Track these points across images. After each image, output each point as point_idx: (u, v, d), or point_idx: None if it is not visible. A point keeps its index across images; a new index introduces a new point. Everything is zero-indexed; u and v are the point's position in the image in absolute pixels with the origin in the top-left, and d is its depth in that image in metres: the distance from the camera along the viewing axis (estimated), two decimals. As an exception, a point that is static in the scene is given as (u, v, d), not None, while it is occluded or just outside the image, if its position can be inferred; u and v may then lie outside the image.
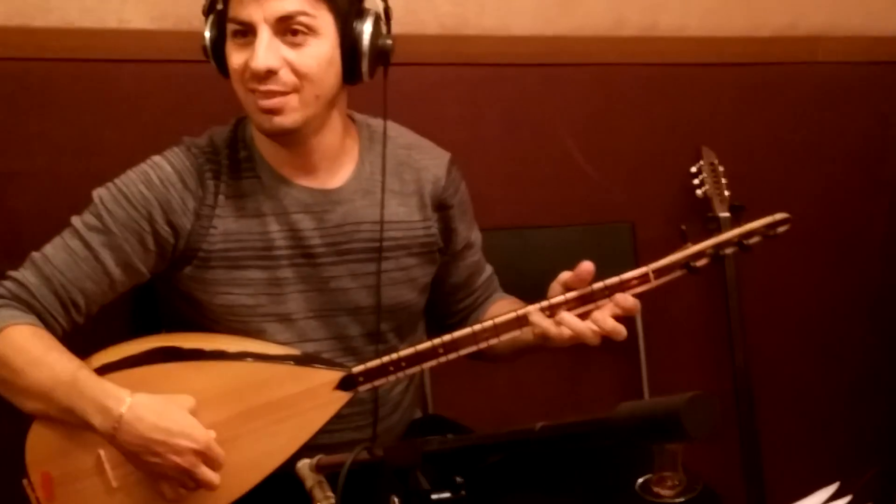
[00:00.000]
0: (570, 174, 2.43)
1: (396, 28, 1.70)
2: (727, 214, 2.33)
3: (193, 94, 2.08)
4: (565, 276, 1.60)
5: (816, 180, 2.59)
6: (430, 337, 1.63)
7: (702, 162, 2.40)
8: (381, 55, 1.62)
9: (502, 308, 1.85)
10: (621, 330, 1.56)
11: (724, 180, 2.38)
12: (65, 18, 2.06)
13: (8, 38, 2.03)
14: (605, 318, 1.56)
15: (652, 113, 2.46)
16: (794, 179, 2.56)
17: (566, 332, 1.57)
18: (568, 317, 1.57)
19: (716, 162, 2.40)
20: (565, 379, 2.46)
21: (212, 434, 1.56)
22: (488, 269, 1.94)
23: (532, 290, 1.71)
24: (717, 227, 2.29)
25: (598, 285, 1.59)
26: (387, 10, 1.64)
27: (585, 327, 1.56)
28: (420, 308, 1.84)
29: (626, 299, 1.57)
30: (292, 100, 1.56)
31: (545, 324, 1.58)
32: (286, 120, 1.57)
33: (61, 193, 1.92)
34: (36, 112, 2.07)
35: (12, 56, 2.04)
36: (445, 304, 1.90)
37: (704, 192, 2.37)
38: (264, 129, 1.60)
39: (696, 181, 2.39)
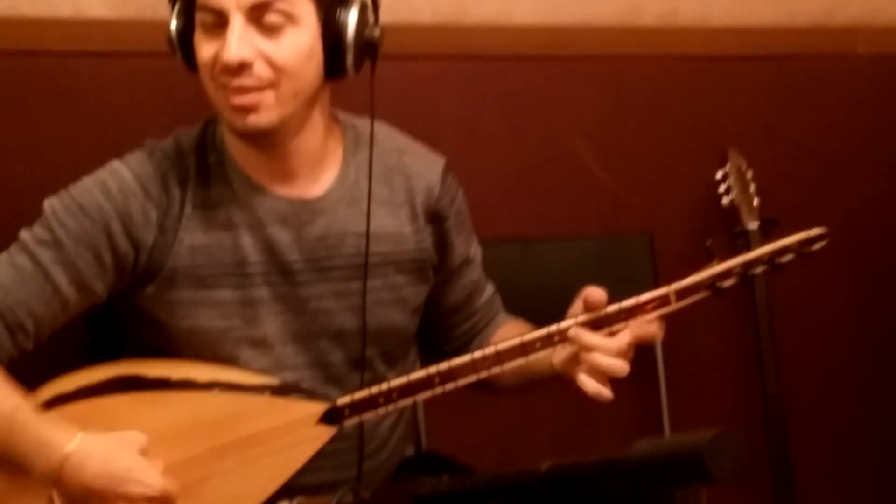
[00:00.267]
0: (580, 180, 2.43)
1: (387, 17, 1.70)
2: (756, 225, 2.33)
3: (158, 91, 2.07)
4: (583, 292, 1.60)
5: (856, 187, 2.59)
6: (425, 365, 1.62)
7: (728, 166, 2.40)
8: (367, 47, 1.61)
9: (508, 333, 1.84)
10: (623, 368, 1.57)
11: (753, 187, 2.37)
12: (13, 6, 2.05)
13: (-53, 28, 2.03)
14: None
15: (672, 111, 2.47)
16: (830, 186, 2.56)
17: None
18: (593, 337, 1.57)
19: (744, 166, 2.40)
20: (576, 412, 2.43)
21: (168, 484, 1.54)
22: (490, 289, 1.93)
23: (538, 311, 1.71)
24: (745, 242, 2.28)
25: (613, 308, 1.58)
26: None
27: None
28: (411, 332, 1.83)
29: (646, 327, 1.57)
30: (268, 96, 1.55)
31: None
32: (261, 119, 1.56)
33: (8, 202, 1.91)
34: (-21, 112, 2.06)
35: (-49, 49, 2.04)
36: (442, 329, 1.89)
37: (731, 201, 2.37)
38: (237, 128, 1.59)
39: (721, 188, 2.39)
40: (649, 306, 1.58)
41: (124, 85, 2.11)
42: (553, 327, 1.59)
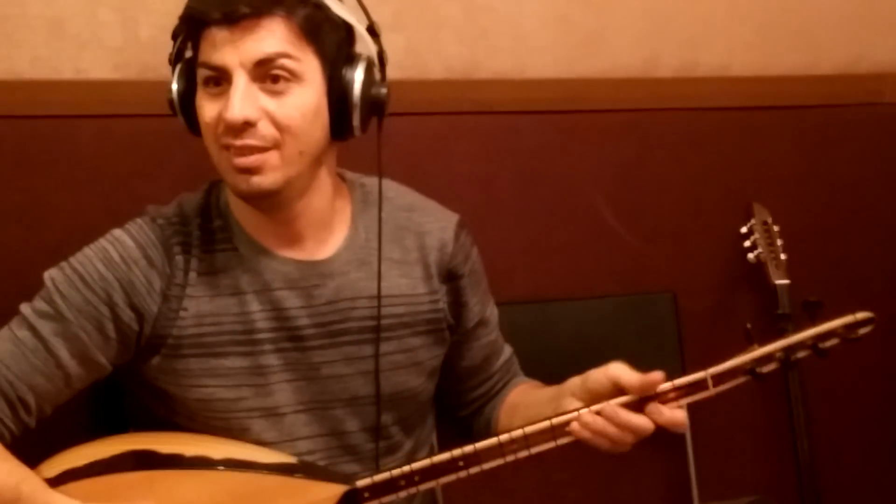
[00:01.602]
0: (599, 237, 2.42)
1: (397, 73, 1.71)
2: (785, 282, 2.32)
3: (162, 154, 2.09)
4: (620, 372, 1.58)
5: (887, 239, 2.57)
6: (441, 432, 1.61)
7: (753, 221, 2.40)
8: (374, 106, 1.62)
9: (522, 397, 1.85)
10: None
11: (779, 242, 2.37)
12: (13, 69, 2.07)
13: (-52, 92, 2.04)
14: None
15: (693, 165, 2.46)
16: (860, 240, 2.55)
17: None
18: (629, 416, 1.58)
19: (769, 221, 2.40)
20: (601, 478, 2.43)
21: None
22: (507, 351, 1.93)
23: (558, 375, 1.71)
24: (787, 325, 2.26)
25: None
26: (381, 54, 1.64)
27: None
28: (428, 396, 1.82)
29: (674, 415, 1.58)
30: (272, 157, 1.55)
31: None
32: (265, 180, 1.56)
33: (8, 267, 1.91)
34: (-22, 176, 2.07)
35: (-48, 112, 2.05)
36: (458, 393, 1.89)
37: (757, 256, 2.37)
38: (240, 190, 1.58)
39: (746, 243, 2.39)
40: (685, 391, 1.59)
41: (127, 147, 2.12)
42: (584, 411, 1.58)
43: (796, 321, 1.69)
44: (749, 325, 1.64)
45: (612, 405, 1.57)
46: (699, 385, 1.58)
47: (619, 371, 1.59)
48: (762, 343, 1.61)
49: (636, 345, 2.44)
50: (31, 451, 1.60)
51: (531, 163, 2.37)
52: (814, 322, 1.63)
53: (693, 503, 2.39)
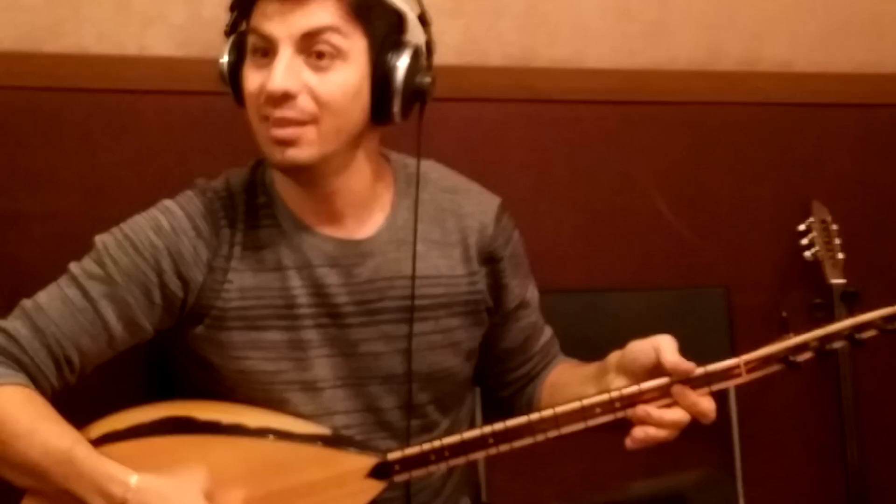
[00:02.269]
0: (653, 230, 2.43)
1: (455, 58, 1.73)
2: (841, 281, 2.31)
3: (221, 130, 2.11)
4: (664, 344, 1.61)
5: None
6: (485, 412, 1.64)
7: (812, 219, 2.39)
8: (416, 94, 1.64)
9: (562, 376, 1.87)
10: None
11: (837, 241, 2.37)
12: (79, 44, 2.13)
13: (15, 64, 2.11)
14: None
15: (752, 160, 2.46)
16: (921, 241, 2.53)
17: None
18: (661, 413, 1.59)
19: (828, 219, 2.39)
20: (643, 468, 2.42)
21: None
22: (548, 332, 1.95)
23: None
24: (825, 313, 2.24)
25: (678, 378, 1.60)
26: (429, 43, 1.66)
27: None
28: (466, 377, 1.85)
29: (699, 402, 1.59)
30: (309, 131, 1.58)
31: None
32: (301, 154, 1.59)
33: (69, 238, 1.94)
34: (43, 147, 2.13)
35: (19, 84, 2.11)
36: (498, 374, 1.91)
37: (814, 255, 2.36)
38: (275, 161, 1.62)
39: (804, 241, 2.39)
40: (719, 377, 1.60)
41: (188, 123, 2.17)
42: (615, 393, 1.60)
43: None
44: (785, 314, 1.64)
45: (640, 389, 1.59)
46: (733, 370, 1.59)
47: (663, 343, 1.60)
48: (798, 332, 1.61)
49: (687, 338, 2.43)
50: (85, 414, 1.64)
51: (587, 153, 2.38)
52: (851, 312, 1.63)
53: (738, 500, 2.39)
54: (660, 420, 1.58)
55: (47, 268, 1.71)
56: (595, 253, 2.41)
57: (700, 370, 1.59)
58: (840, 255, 2.35)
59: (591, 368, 1.75)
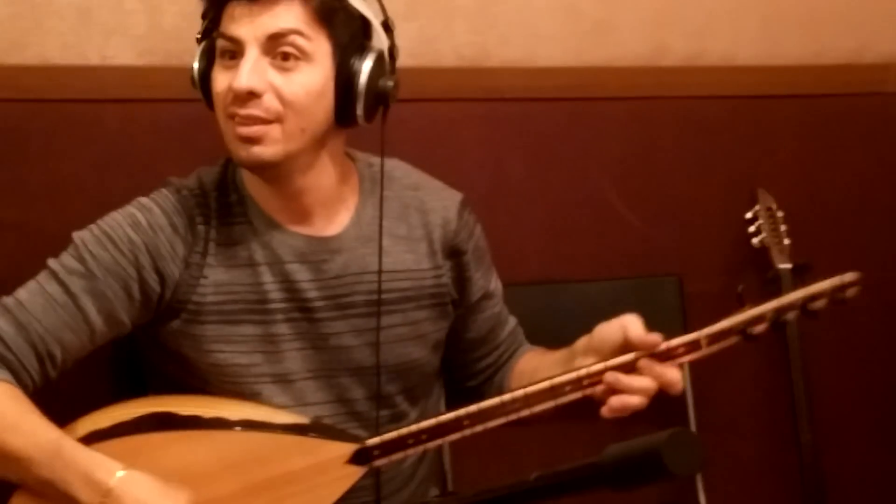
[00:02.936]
0: (607, 222, 2.48)
1: (410, 60, 1.76)
2: (788, 266, 2.38)
3: (184, 136, 2.15)
4: (630, 323, 1.66)
5: (889, 227, 2.61)
6: (449, 402, 1.68)
7: (758, 207, 2.45)
8: (379, 97, 1.69)
9: (530, 363, 1.90)
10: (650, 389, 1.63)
11: (783, 227, 2.43)
12: (43, 55, 2.15)
13: (-21, 77, 2.12)
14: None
15: (699, 152, 2.51)
16: (862, 226, 2.59)
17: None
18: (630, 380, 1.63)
19: (774, 207, 2.45)
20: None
21: None
22: (512, 322, 1.99)
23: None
24: (778, 287, 2.32)
25: (642, 353, 1.65)
26: (392, 48, 1.71)
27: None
28: (433, 368, 1.90)
29: (665, 372, 1.63)
30: (274, 130, 1.63)
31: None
32: (265, 151, 1.64)
33: (37, 247, 1.95)
34: (9, 158, 2.14)
35: (-16, 97, 2.12)
36: (465, 364, 1.95)
37: (761, 241, 2.42)
38: (241, 158, 1.66)
39: (751, 229, 2.44)
40: (679, 351, 1.64)
41: (151, 131, 2.19)
42: (583, 371, 1.64)
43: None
44: (741, 288, 1.70)
45: (606, 367, 1.63)
46: (694, 344, 1.64)
47: (629, 321, 1.66)
48: (754, 304, 1.66)
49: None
50: (58, 413, 1.64)
51: (540, 149, 2.42)
52: (803, 284, 1.68)
53: (695, 482, 2.45)
54: (629, 386, 1.61)
55: (16, 276, 1.72)
56: (551, 246, 2.45)
57: (662, 345, 1.64)
58: (786, 241, 2.41)
59: (560, 354, 1.79)
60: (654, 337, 1.63)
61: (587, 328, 1.72)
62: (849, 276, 1.69)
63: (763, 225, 2.44)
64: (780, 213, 2.45)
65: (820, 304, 1.68)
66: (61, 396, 1.66)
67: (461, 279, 1.87)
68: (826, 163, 2.59)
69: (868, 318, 2.60)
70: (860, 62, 2.59)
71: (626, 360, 1.63)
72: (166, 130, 2.19)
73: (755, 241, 2.44)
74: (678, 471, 1.03)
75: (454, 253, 1.86)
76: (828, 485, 2.43)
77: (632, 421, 1.65)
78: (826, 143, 2.58)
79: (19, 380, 1.63)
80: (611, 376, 1.62)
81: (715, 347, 1.65)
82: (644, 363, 1.63)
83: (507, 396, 1.65)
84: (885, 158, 2.62)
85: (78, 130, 2.18)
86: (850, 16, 2.58)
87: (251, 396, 1.74)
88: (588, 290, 2.42)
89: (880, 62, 2.60)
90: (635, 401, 1.62)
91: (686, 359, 1.64)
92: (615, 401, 1.62)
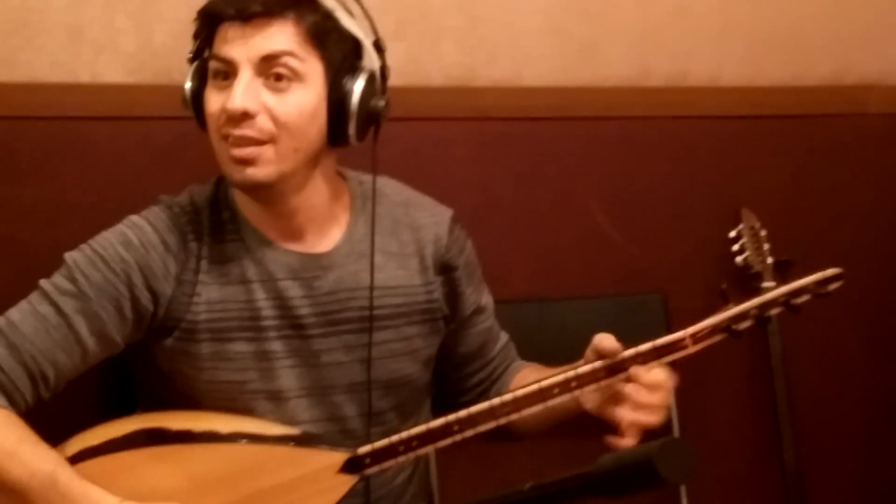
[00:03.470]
0: (593, 240, 2.49)
1: (399, 80, 1.77)
2: (772, 284, 2.39)
3: (174, 154, 2.16)
4: (597, 340, 1.69)
5: (870, 246, 2.63)
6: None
7: (741, 226, 2.46)
8: (371, 117, 1.70)
9: (527, 378, 1.88)
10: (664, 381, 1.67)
11: (766, 246, 2.43)
12: (33, 73, 2.15)
13: (-30, 95, 2.11)
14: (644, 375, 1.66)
15: (683, 171, 2.53)
16: (845, 243, 2.60)
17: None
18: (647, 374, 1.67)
19: (757, 226, 2.46)
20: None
21: None
22: (503, 337, 2.00)
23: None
24: (761, 285, 2.33)
25: (630, 352, 1.68)
26: (383, 68, 1.72)
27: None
28: (424, 384, 1.90)
29: (654, 375, 1.66)
30: (267, 151, 1.64)
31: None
32: (259, 172, 1.64)
33: (27, 264, 1.94)
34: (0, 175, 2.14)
35: (-25, 115, 2.11)
36: (457, 379, 1.96)
37: (745, 260, 2.43)
38: (235, 180, 1.67)
39: (735, 247, 2.45)
40: (666, 350, 1.67)
41: (141, 148, 2.19)
42: (570, 373, 1.67)
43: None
44: (724, 286, 1.72)
45: (592, 368, 1.67)
46: (680, 343, 1.67)
47: (597, 339, 1.69)
48: (738, 302, 1.69)
49: (627, 343, 2.51)
50: (46, 433, 1.62)
51: (527, 168, 2.44)
52: (785, 280, 1.71)
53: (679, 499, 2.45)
54: (643, 381, 1.65)
55: (7, 293, 1.72)
56: (537, 263, 2.46)
57: (648, 344, 1.67)
58: (769, 260, 2.41)
59: (558, 371, 1.79)
60: (609, 337, 1.68)
61: (572, 345, 1.74)
62: (831, 271, 1.73)
63: (746, 244, 2.45)
64: (763, 232, 2.46)
65: (803, 298, 1.72)
66: (50, 417, 1.65)
67: (452, 294, 1.88)
68: (808, 182, 2.61)
69: (852, 336, 2.64)
70: (841, 84, 2.62)
71: (613, 361, 1.67)
72: (156, 148, 2.20)
73: (738, 259, 2.44)
74: (671, 478, 1.05)
75: (445, 269, 1.86)
76: (810, 501, 2.44)
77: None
78: (808, 163, 2.60)
79: (12, 401, 1.62)
80: (633, 370, 1.66)
81: (701, 345, 1.68)
82: (635, 369, 1.66)
83: (496, 401, 1.67)
84: (866, 178, 2.64)
85: (68, 148, 2.18)
86: (831, 39, 2.61)
87: (244, 413, 1.74)
88: (573, 308, 2.43)
89: (860, 84, 2.63)
90: (646, 397, 1.66)
91: (673, 357, 1.67)
92: (628, 415, 1.65)
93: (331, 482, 1.68)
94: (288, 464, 1.68)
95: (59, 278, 1.69)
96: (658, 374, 1.67)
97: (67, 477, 1.56)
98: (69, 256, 1.71)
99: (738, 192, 2.54)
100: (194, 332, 1.72)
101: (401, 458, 1.68)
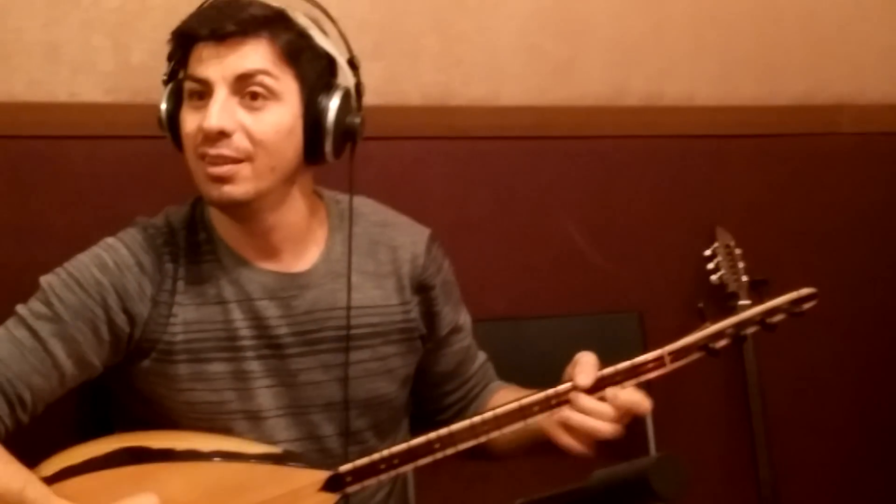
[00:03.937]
0: (569, 259, 2.49)
1: (376, 99, 1.78)
2: (747, 303, 2.39)
3: (150, 173, 2.15)
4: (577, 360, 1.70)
5: (843, 264, 2.64)
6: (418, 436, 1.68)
7: (716, 244, 2.47)
8: (347, 134, 1.70)
9: (505, 398, 1.90)
10: (642, 402, 1.66)
11: (741, 264, 2.44)
12: (9, 92, 2.14)
13: (-55, 113, 2.10)
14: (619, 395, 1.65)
15: (659, 190, 2.54)
16: (819, 262, 2.61)
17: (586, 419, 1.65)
18: (587, 401, 1.65)
19: (732, 244, 2.47)
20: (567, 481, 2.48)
21: None
22: (481, 356, 1.99)
23: (530, 387, 1.76)
24: (737, 303, 2.35)
25: (609, 371, 1.68)
26: (358, 85, 1.72)
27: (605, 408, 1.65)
28: (401, 403, 1.89)
29: (631, 396, 1.66)
30: (244, 169, 1.63)
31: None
32: (236, 190, 1.64)
33: (3, 284, 1.94)
34: (-26, 195, 2.12)
35: (-50, 134, 2.10)
36: (435, 398, 1.95)
37: (720, 278, 2.44)
38: (212, 198, 1.66)
39: (710, 265, 2.46)
40: (644, 368, 1.68)
41: (117, 168, 2.18)
42: (551, 391, 1.68)
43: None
44: (701, 304, 1.73)
45: (572, 386, 1.67)
46: (658, 361, 1.68)
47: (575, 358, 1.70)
48: (714, 321, 1.70)
49: (605, 362, 2.50)
50: (23, 454, 1.62)
51: (504, 186, 2.44)
52: (761, 299, 1.72)
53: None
54: (600, 411, 1.65)
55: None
56: (514, 282, 2.46)
57: (627, 363, 1.68)
58: (744, 278, 2.42)
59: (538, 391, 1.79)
60: (590, 355, 1.70)
61: (549, 364, 1.75)
62: (806, 291, 1.74)
63: (721, 262, 2.45)
64: (738, 251, 2.46)
65: (779, 317, 1.73)
66: (25, 438, 1.65)
67: (430, 314, 1.87)
68: (782, 200, 2.62)
69: (828, 354, 2.65)
70: (813, 103, 2.63)
71: (588, 381, 1.67)
72: (133, 167, 2.19)
73: (714, 277, 2.45)
74: (665, 494, 1.05)
75: (422, 288, 1.86)
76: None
77: (595, 456, 1.67)
78: (782, 182, 2.61)
79: None
80: (572, 395, 1.66)
81: (679, 363, 1.69)
82: (610, 390, 1.66)
83: (476, 419, 1.67)
84: (840, 196, 2.65)
85: (44, 167, 2.17)
86: (804, 59, 2.62)
87: (223, 433, 1.73)
88: (549, 326, 2.43)
89: (832, 103, 2.64)
90: (597, 425, 1.64)
91: (651, 375, 1.68)
92: (575, 418, 1.65)
93: (312, 500, 1.67)
94: (270, 482, 1.67)
95: (34, 303, 1.68)
96: (601, 406, 1.66)
97: (37, 494, 1.56)
98: (44, 280, 1.69)
99: (712, 211, 2.55)
100: (171, 353, 1.71)
101: (382, 476, 1.68)
